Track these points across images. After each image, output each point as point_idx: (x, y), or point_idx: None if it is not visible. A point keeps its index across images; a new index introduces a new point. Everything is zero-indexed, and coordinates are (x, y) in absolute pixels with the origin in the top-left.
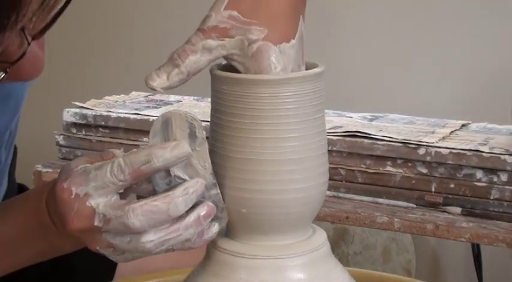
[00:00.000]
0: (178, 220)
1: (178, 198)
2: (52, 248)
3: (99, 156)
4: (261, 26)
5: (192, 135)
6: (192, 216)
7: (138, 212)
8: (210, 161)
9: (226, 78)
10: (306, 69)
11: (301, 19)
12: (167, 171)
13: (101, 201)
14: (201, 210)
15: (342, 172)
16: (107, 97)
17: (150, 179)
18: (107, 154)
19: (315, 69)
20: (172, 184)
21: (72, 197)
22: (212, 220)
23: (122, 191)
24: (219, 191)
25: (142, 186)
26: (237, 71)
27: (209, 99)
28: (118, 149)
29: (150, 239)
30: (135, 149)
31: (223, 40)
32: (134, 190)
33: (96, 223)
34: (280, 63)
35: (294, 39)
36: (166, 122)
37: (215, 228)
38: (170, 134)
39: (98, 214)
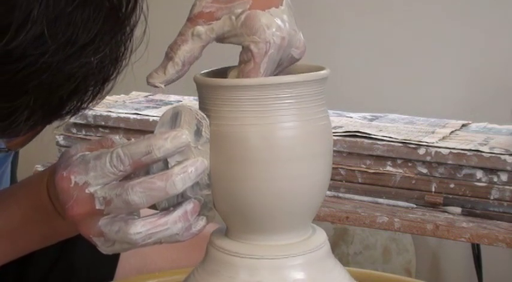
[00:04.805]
0: (166, 214)
1: (177, 176)
2: (56, 232)
3: (97, 143)
4: None
5: (198, 133)
6: (179, 211)
7: (137, 189)
8: (209, 161)
9: (206, 85)
10: (310, 71)
11: None
12: (165, 163)
13: (99, 188)
14: (188, 206)
15: (342, 172)
16: (107, 97)
17: (148, 169)
18: (105, 140)
19: (292, 75)
20: None
21: (72, 185)
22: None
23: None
24: (210, 192)
25: (140, 175)
26: (221, 76)
27: None
28: (117, 135)
29: (138, 231)
30: (133, 139)
31: (210, 24)
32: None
33: (97, 206)
34: (273, 24)
35: (282, 5)
36: (176, 115)
37: (203, 221)
38: (177, 127)
39: (98, 198)
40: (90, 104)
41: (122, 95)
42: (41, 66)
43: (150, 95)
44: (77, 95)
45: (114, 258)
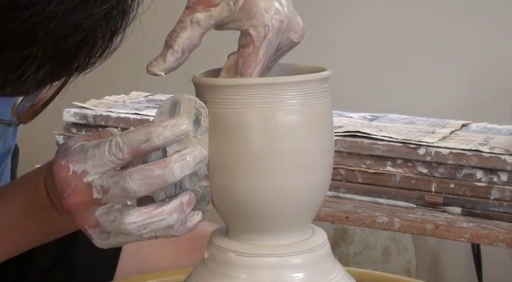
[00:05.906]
0: (161, 205)
1: (175, 164)
2: (54, 229)
3: (96, 135)
4: None
5: (197, 123)
6: (175, 202)
7: (135, 176)
8: (208, 151)
9: (206, 85)
10: (313, 72)
11: None
12: (163, 154)
13: (97, 177)
14: (184, 197)
15: (342, 172)
16: (107, 97)
17: (146, 159)
18: (104, 132)
19: (294, 76)
20: None
21: (70, 174)
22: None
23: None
24: (209, 183)
25: (138, 164)
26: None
27: None
28: (115, 128)
29: (133, 220)
30: (132, 128)
31: (209, 10)
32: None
33: (95, 195)
34: (272, 8)
35: None
36: (175, 104)
37: (198, 216)
38: (176, 116)
39: (95, 187)
40: (99, 59)
41: (122, 95)
42: (48, 15)
43: (150, 95)
44: (85, 47)
45: (114, 258)
